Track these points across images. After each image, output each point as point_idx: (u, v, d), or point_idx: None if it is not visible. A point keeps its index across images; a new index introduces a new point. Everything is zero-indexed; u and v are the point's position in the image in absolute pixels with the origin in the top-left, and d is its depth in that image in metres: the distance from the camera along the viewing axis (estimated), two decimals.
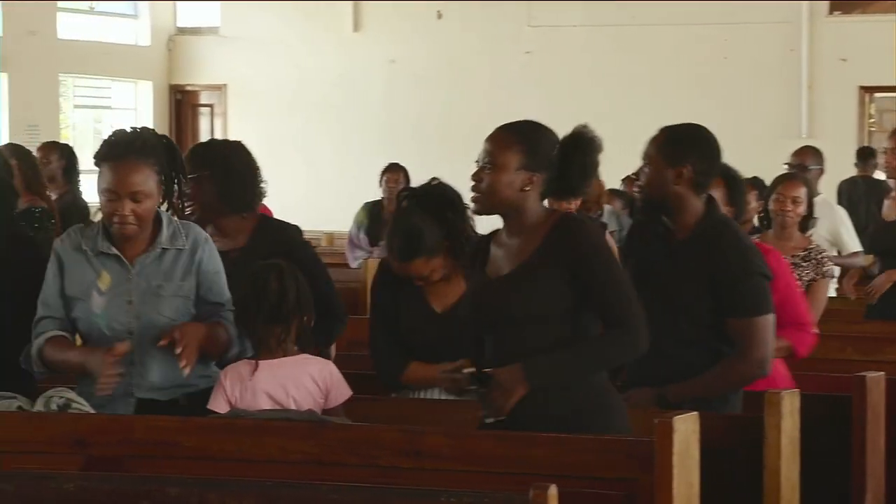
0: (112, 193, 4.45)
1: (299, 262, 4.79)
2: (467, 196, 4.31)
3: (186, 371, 4.35)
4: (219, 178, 5.10)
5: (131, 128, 4.62)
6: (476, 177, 4.12)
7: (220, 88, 19.95)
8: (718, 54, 16.78)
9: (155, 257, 4.54)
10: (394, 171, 10.71)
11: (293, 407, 4.34)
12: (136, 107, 20.28)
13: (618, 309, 4.06)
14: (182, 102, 20.39)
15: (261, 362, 4.42)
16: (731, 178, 5.43)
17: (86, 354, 4.48)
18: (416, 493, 3.33)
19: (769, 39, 16.69)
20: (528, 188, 4.07)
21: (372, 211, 10.54)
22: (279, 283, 4.44)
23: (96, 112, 20.40)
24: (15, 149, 8.35)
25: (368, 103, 18.56)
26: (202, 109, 20.35)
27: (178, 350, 4.32)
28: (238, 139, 5.30)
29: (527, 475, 3.61)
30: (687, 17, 16.72)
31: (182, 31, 20.32)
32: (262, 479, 3.54)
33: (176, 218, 4.61)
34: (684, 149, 4.60)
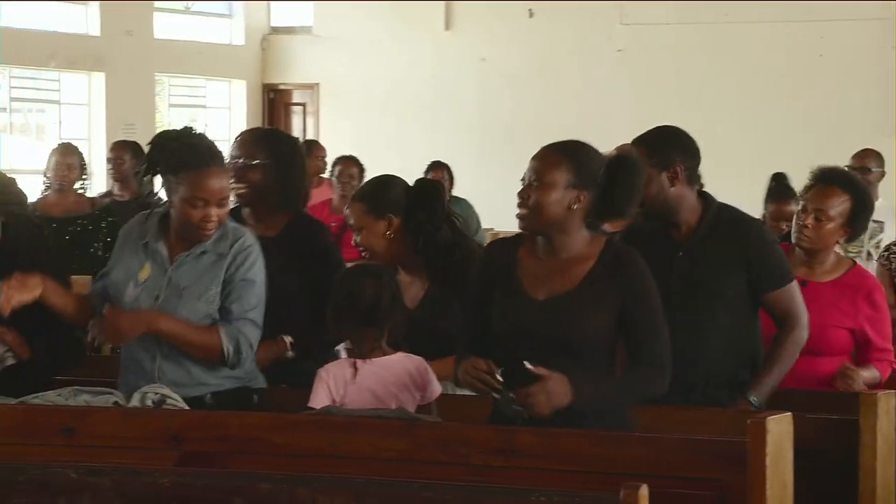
0: (202, 201, 4.50)
1: (325, 263, 4.92)
2: (510, 210, 4.27)
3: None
4: (279, 171, 5.13)
5: (188, 129, 4.66)
6: (523, 194, 4.12)
7: (312, 87, 20.05)
8: (812, 52, 16.58)
9: (194, 257, 4.60)
10: (437, 170, 10.65)
11: (395, 405, 4.36)
12: (230, 106, 20.45)
13: (656, 348, 4.10)
14: (275, 101, 20.52)
15: (359, 361, 4.45)
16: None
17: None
18: (506, 491, 3.33)
19: (863, 37, 16.46)
20: (575, 206, 4.08)
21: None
22: (374, 288, 4.45)
23: (191, 111, 20.60)
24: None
25: (460, 102, 18.57)
26: (294, 108, 20.47)
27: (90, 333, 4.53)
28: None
29: (617, 475, 3.60)
30: (780, 14, 16.53)
31: (276, 30, 20.45)
32: (352, 476, 3.55)
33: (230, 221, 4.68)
34: (668, 149, 4.71)
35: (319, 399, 4.42)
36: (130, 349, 4.63)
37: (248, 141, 5.20)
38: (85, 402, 4.38)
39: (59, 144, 8.71)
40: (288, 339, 4.98)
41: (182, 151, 4.55)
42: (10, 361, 4.68)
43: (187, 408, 4.40)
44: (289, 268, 4.98)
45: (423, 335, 4.64)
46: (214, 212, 4.50)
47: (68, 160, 8.32)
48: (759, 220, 4.83)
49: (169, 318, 4.52)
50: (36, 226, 5.05)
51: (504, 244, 4.31)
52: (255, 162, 5.06)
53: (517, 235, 4.24)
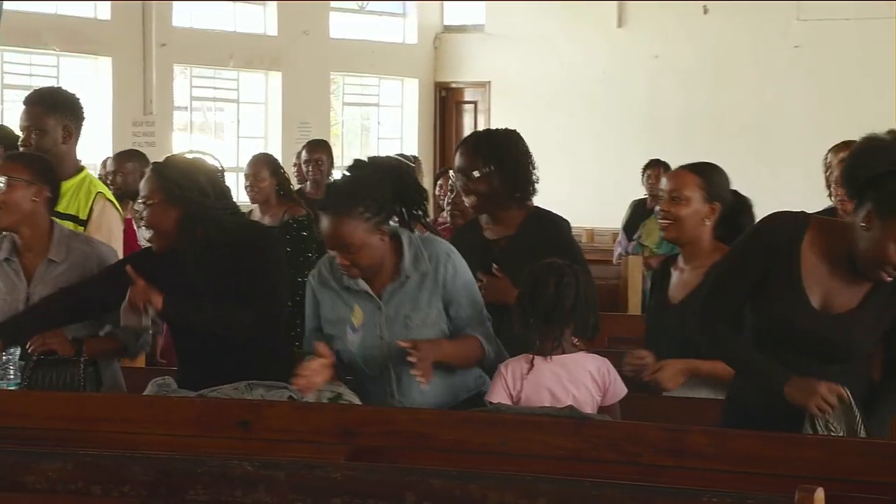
0: (328, 244, 4.52)
1: (564, 257, 4.80)
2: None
3: (423, 386, 4.42)
4: (507, 170, 5.11)
5: (352, 170, 4.56)
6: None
7: (484, 86, 20.12)
8: None
9: (400, 285, 4.55)
10: (655, 167, 10.59)
11: (572, 403, 4.35)
12: (402, 104, 20.62)
13: None
14: (446, 99, 20.64)
15: (538, 358, 4.45)
16: None
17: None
18: (677, 492, 3.29)
19: None
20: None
21: (636, 209, 10.46)
22: (556, 286, 4.44)
23: (364, 109, 20.83)
24: (267, 158, 8.46)
25: (632, 99, 18.45)
26: (466, 106, 20.56)
27: (415, 369, 4.37)
28: (513, 129, 5.28)
29: (791, 477, 3.54)
30: None
31: (448, 28, 20.57)
32: (522, 473, 3.55)
33: (416, 234, 4.63)
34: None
35: (496, 394, 4.43)
36: (360, 383, 4.63)
37: (467, 152, 5.18)
38: (260, 396, 4.45)
39: (251, 157, 8.56)
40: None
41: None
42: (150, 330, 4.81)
43: (362, 404, 4.44)
44: (530, 262, 4.92)
45: None
46: (345, 257, 4.47)
47: (255, 170, 8.22)
48: None
49: (446, 342, 4.53)
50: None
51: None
52: (475, 174, 5.06)
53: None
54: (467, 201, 5.12)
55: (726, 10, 17.71)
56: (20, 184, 5.01)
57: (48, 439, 4.13)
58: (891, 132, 3.90)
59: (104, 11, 16.51)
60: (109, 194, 5.78)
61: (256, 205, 8.17)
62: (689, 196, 4.76)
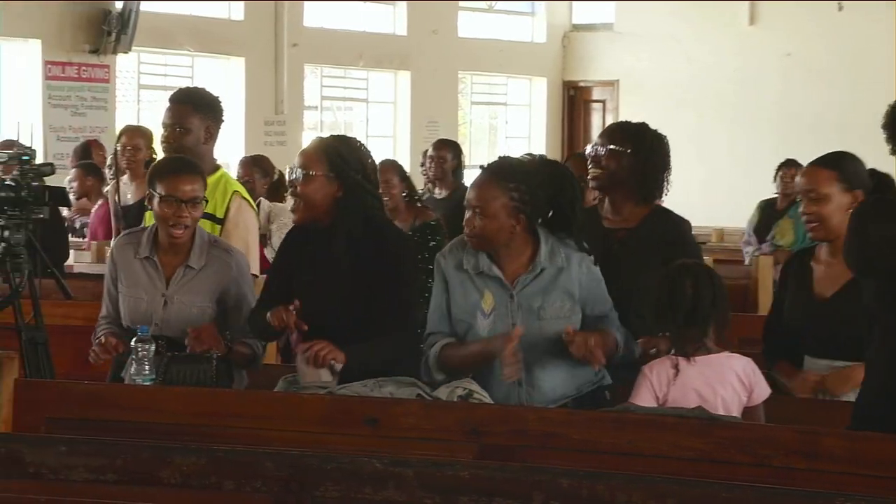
0: (466, 196, 4.56)
1: (684, 256, 4.78)
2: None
3: (596, 367, 4.47)
4: (638, 159, 5.08)
5: (530, 159, 4.69)
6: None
7: (612, 84, 20.03)
8: None
9: (534, 277, 4.55)
10: (789, 168, 10.44)
11: (720, 405, 4.31)
12: (531, 103, 20.61)
13: None
14: (575, 98, 20.59)
15: (683, 360, 4.41)
16: None
17: (486, 343, 4.55)
18: (809, 495, 3.26)
19: None
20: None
21: (765, 209, 10.33)
22: (694, 287, 4.40)
23: (492, 108, 20.85)
24: (394, 164, 8.48)
25: (763, 98, 18.24)
26: (594, 105, 20.50)
27: (579, 352, 4.40)
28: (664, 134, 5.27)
29: None
30: None
31: (577, 27, 20.52)
32: (650, 473, 3.53)
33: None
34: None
35: (642, 397, 4.40)
36: (492, 371, 4.58)
37: (612, 128, 5.20)
38: (390, 393, 4.47)
39: (380, 163, 8.57)
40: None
41: None
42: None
43: (493, 403, 4.44)
44: (647, 259, 4.89)
45: None
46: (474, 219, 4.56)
47: (385, 177, 8.25)
48: None
49: (595, 335, 4.49)
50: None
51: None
52: (611, 147, 5.06)
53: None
54: (591, 173, 5.09)
55: (861, 6, 17.42)
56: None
57: (182, 434, 4.19)
58: None
59: (238, 12, 16.74)
60: (245, 193, 5.84)
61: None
62: (828, 192, 4.69)
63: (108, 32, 14.94)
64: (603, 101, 20.28)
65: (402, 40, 18.41)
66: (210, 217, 5.58)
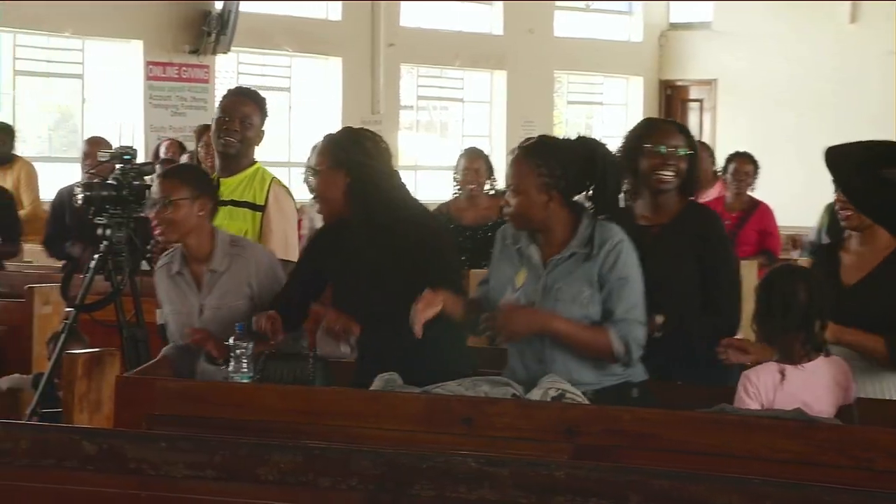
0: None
1: (717, 250, 4.91)
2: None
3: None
4: (693, 159, 5.13)
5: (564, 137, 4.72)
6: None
7: (710, 84, 19.89)
8: None
9: (564, 259, 4.56)
10: None
11: (822, 409, 4.28)
12: (627, 102, 20.51)
13: None
14: (672, 98, 20.46)
15: (789, 367, 4.38)
16: None
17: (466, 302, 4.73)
18: None
19: None
20: None
21: (833, 211, 10.17)
22: (807, 291, 4.36)
23: (588, 108, 20.78)
24: (483, 153, 8.58)
25: (864, 97, 18.00)
26: (691, 104, 20.36)
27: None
28: None
29: None
30: None
31: (674, 26, 20.39)
32: (747, 475, 3.50)
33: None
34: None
35: (745, 402, 4.37)
36: (516, 348, 4.68)
37: (675, 130, 5.20)
38: (484, 393, 4.47)
39: (465, 149, 8.75)
40: (659, 318, 4.88)
41: None
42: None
43: (587, 403, 4.43)
44: (681, 252, 4.95)
45: None
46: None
47: (475, 165, 8.35)
48: None
49: (561, 319, 4.52)
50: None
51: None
52: (682, 151, 5.08)
53: None
54: (667, 174, 5.07)
55: None
56: (184, 203, 5.16)
57: (278, 432, 4.23)
58: None
59: (335, 12, 16.84)
60: (282, 182, 6.05)
61: (461, 198, 8.29)
62: None
63: (208, 33, 15.12)
64: (700, 101, 20.14)
65: (498, 40, 18.41)
66: (250, 205, 5.76)
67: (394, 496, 3.30)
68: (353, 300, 4.88)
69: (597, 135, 20.35)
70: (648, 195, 5.12)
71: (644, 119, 5.53)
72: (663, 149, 5.07)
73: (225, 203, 5.70)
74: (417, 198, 5.16)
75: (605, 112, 20.72)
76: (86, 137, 10.30)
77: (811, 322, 4.34)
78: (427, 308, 4.53)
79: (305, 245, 5.26)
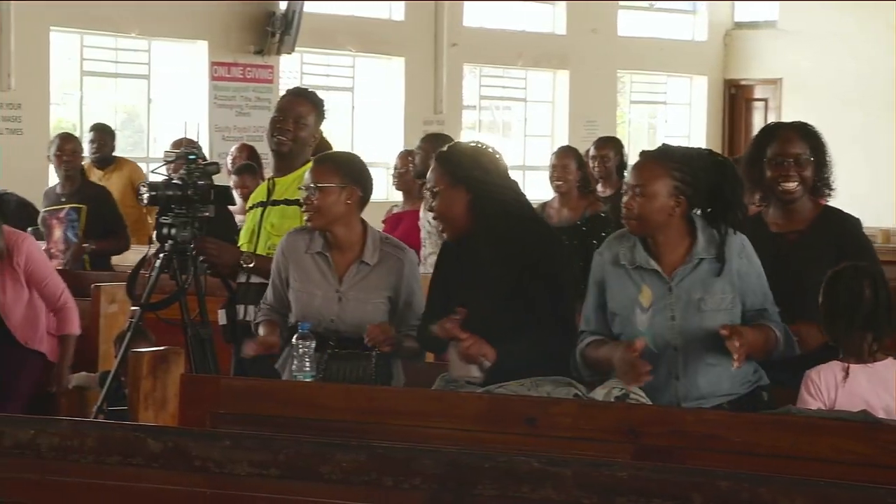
0: (628, 177, 4.60)
1: (862, 257, 4.70)
2: None
3: (736, 366, 4.33)
4: (818, 162, 5.03)
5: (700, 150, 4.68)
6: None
7: (775, 83, 19.76)
8: None
9: (692, 268, 4.49)
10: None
11: (884, 411, 4.24)
12: (691, 102, 20.42)
13: None
14: (736, 97, 20.35)
15: (853, 367, 4.35)
16: None
17: (610, 349, 4.53)
18: None
19: None
20: None
21: None
22: (873, 290, 4.33)
23: (651, 108, 20.71)
24: (574, 150, 8.53)
25: None
26: (756, 104, 20.24)
27: (736, 352, 4.28)
28: None
29: None
30: None
31: (739, 25, 20.28)
32: (812, 477, 3.47)
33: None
34: None
35: (809, 402, 4.34)
36: (646, 352, 4.52)
37: (797, 135, 5.09)
38: (546, 393, 4.47)
39: (558, 149, 8.67)
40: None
41: None
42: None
43: (650, 403, 4.42)
44: (822, 259, 4.81)
45: None
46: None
47: (563, 161, 8.29)
48: None
49: (750, 330, 4.41)
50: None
51: None
52: (804, 157, 5.01)
53: None
54: (790, 185, 5.00)
55: None
56: (332, 190, 5.14)
57: (340, 430, 4.24)
58: None
59: (398, 12, 16.88)
60: None
61: (555, 196, 8.23)
62: None
63: (272, 33, 15.20)
64: (765, 100, 20.01)
65: (561, 39, 18.38)
66: (300, 204, 5.71)
67: (456, 496, 3.30)
68: (482, 316, 4.76)
69: (660, 135, 20.12)
70: (778, 202, 5.08)
71: (766, 125, 5.38)
72: (782, 159, 4.99)
73: (278, 203, 5.71)
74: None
75: (669, 112, 20.63)
76: (85, 138, 10.34)
77: (878, 321, 4.31)
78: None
79: (435, 267, 5.18)
